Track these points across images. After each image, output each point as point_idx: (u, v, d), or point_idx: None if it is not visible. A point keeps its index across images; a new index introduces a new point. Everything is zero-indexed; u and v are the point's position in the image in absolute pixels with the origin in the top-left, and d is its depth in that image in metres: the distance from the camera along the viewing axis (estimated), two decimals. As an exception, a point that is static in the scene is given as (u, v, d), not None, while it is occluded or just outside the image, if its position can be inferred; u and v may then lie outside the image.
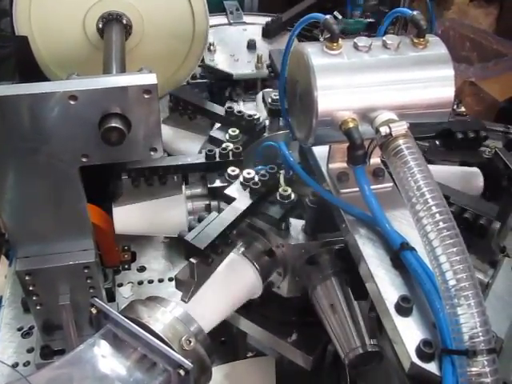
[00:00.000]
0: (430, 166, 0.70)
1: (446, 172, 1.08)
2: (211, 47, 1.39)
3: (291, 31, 0.89)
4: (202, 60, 1.33)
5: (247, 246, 0.90)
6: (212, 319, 0.80)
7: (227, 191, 0.92)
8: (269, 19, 1.53)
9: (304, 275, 0.90)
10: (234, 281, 0.87)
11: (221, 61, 1.37)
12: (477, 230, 0.93)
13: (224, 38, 1.48)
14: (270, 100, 1.12)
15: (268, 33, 1.49)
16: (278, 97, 1.11)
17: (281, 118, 1.11)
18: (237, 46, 1.44)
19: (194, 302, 0.80)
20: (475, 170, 1.10)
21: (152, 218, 1.02)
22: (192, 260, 0.79)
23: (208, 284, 0.83)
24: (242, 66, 1.36)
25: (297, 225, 0.91)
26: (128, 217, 1.01)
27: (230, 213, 0.86)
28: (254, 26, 1.55)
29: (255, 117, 1.10)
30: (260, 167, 0.95)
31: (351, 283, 0.83)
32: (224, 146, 1.04)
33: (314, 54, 0.77)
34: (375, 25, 1.55)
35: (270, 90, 1.21)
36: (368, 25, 1.55)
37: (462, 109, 1.33)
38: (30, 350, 1.05)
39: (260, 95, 1.24)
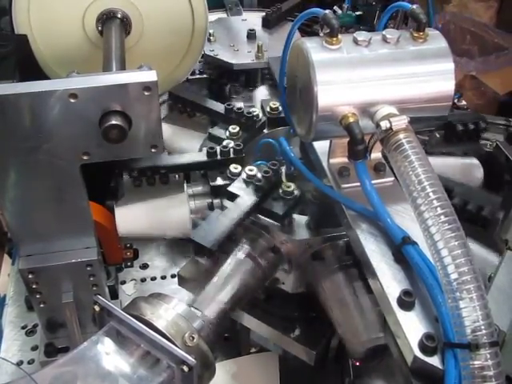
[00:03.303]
0: (430, 159, 0.70)
1: (446, 164, 1.09)
2: (211, 38, 1.38)
3: (291, 26, 0.88)
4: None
5: (251, 243, 0.90)
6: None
7: (231, 188, 0.91)
8: (269, 14, 1.52)
9: (309, 271, 0.90)
10: None
11: (221, 51, 1.36)
12: (480, 221, 0.94)
13: (223, 29, 1.47)
14: (268, 109, 1.13)
15: (268, 23, 1.48)
16: (276, 105, 1.13)
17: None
18: (237, 37, 1.43)
19: None
20: (474, 161, 1.11)
21: (155, 218, 1.01)
22: (200, 260, 0.79)
23: None
24: (243, 56, 1.35)
25: (300, 220, 0.91)
26: (130, 217, 1.00)
27: (235, 210, 0.86)
28: (253, 16, 1.54)
29: (255, 113, 1.10)
30: (259, 162, 0.95)
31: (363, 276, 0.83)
32: (225, 143, 1.04)
33: (314, 49, 0.77)
34: (364, 18, 1.55)
35: (269, 98, 1.21)
36: (357, 18, 1.55)
37: (463, 102, 1.33)
38: (34, 348, 1.06)
39: (258, 90, 1.23)
